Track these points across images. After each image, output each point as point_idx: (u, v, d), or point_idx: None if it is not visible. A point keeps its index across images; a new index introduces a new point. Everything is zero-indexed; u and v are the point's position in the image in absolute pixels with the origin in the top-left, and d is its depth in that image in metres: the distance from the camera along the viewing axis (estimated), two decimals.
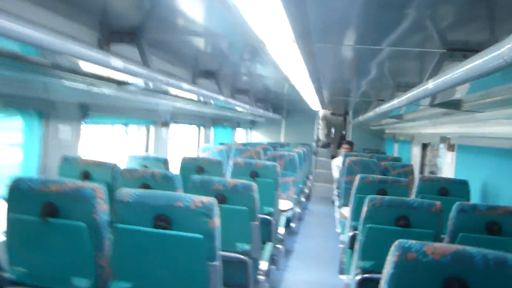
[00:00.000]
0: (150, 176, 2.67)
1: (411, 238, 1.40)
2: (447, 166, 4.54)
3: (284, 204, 4.69)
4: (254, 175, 3.78)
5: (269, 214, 3.77)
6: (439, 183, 3.50)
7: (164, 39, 3.09)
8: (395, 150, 8.18)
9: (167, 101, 4.40)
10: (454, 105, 3.24)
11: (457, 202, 2.36)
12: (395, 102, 3.65)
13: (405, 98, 3.23)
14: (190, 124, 6.24)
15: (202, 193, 2.22)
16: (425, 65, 3.44)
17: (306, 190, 7.71)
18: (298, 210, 5.81)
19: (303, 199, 6.77)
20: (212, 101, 4.77)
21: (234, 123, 8.34)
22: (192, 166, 3.88)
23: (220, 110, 6.16)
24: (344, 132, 11.27)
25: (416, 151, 6.17)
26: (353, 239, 3.65)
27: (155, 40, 3.09)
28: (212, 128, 7.02)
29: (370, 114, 5.82)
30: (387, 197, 2.46)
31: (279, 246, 4.10)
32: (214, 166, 3.91)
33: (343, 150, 7.30)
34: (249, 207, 2.68)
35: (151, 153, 4.72)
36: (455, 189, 3.46)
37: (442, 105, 3.43)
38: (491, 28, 2.30)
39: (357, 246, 2.59)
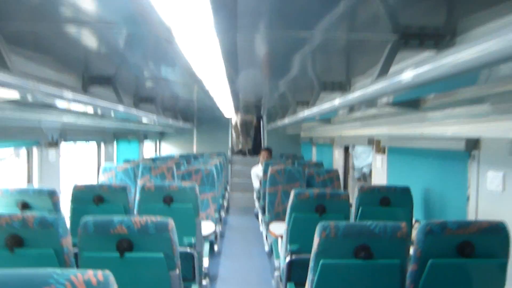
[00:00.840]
0: (20, 223, 1.87)
1: (375, 272, 1.58)
2: (377, 171, 4.27)
3: (206, 226, 4.06)
4: (168, 200, 3.10)
5: (190, 245, 3.12)
6: (380, 192, 3.14)
7: (34, 30, 2.30)
8: (313, 154, 7.96)
9: (53, 116, 3.54)
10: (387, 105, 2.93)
11: (423, 222, 1.95)
12: (326, 106, 3.26)
13: (338, 101, 2.84)
14: (87, 141, 5.31)
15: (99, 241, 1.98)
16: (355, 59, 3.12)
17: (225, 203, 7.13)
18: (219, 229, 5.19)
19: (223, 213, 6.17)
20: (112, 113, 3.97)
21: (140, 135, 7.47)
22: (88, 197, 3.08)
23: (122, 122, 5.33)
24: (260, 138, 10.92)
25: (337, 154, 5.92)
26: (290, 266, 3.16)
27: (22, 35, 2.30)
28: (115, 143, 6.11)
29: (290, 118, 5.44)
30: (342, 224, 1.96)
31: (204, 282, 3.46)
32: (117, 194, 3.15)
33: (262, 158, 6.86)
34: (165, 252, 2.02)
35: (36, 183, 3.75)
36: (396, 198, 3.13)
37: (373, 105, 3.11)
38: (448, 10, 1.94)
39: (307, 284, 2.07)
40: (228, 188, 8.66)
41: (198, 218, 3.21)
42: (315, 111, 3.79)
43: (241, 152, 11.50)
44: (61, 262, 1.84)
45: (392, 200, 3.10)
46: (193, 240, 3.10)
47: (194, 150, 9.72)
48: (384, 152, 3.99)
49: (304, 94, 5.22)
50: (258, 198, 6.76)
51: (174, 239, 2.05)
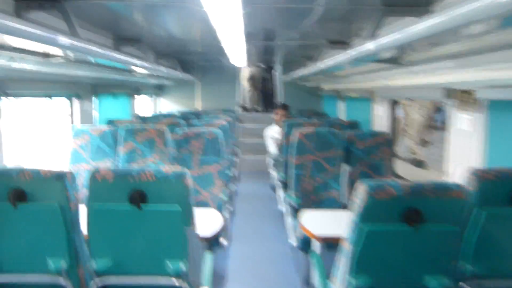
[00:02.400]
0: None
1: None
2: (461, 141, 2.91)
3: (208, 218, 2.83)
4: (138, 198, 1.82)
5: (177, 275, 1.91)
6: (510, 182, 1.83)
7: None
8: (340, 111, 6.61)
9: None
10: None
11: None
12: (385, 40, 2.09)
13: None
14: (49, 96, 3.99)
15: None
16: None
17: (235, 172, 5.89)
18: (228, 216, 3.96)
19: (233, 187, 4.94)
20: (90, 57, 2.95)
21: (131, 89, 6.13)
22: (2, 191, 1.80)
23: (101, 71, 4.01)
24: (272, 92, 9.52)
25: (381, 111, 4.58)
26: None
27: None
28: (95, 100, 4.80)
29: (319, 64, 4.10)
30: None
31: None
32: (48, 187, 1.82)
33: (278, 117, 5.53)
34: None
35: None
36: None
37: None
38: None
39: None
40: (238, 151, 7.40)
41: (191, 228, 1.96)
42: (364, 49, 2.53)
43: (253, 109, 10.19)
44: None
45: None
46: (182, 266, 1.87)
47: (198, 106, 8.37)
48: (477, 109, 2.64)
49: (339, 30, 3.86)
50: (275, 166, 5.50)
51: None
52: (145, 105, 8.13)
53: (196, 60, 7.04)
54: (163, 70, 4.70)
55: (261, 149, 7.88)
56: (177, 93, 8.32)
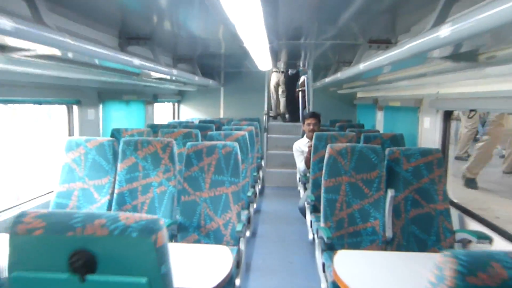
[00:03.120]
0: None
1: None
2: None
3: (212, 264, 2.20)
4: (83, 265, 1.16)
5: None
6: None
7: None
8: (377, 122, 5.87)
9: None
10: None
11: None
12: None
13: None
14: (39, 103, 3.49)
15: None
16: None
17: (258, 189, 5.25)
18: (243, 246, 3.29)
19: (251, 212, 4.29)
20: (95, 59, 2.62)
21: (146, 95, 5.63)
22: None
23: (107, 74, 3.50)
24: (298, 99, 8.86)
25: (429, 124, 3.85)
26: None
27: None
28: (101, 106, 4.29)
29: (349, 71, 3.46)
30: None
31: None
32: (135, 250, 1.19)
33: (308, 127, 4.86)
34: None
35: None
36: None
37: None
38: None
39: None
40: (263, 163, 6.77)
41: None
42: (415, 46, 1.93)
43: (281, 117, 9.57)
44: None
45: None
46: None
47: (221, 114, 7.81)
48: None
49: (382, 27, 3.22)
50: (304, 184, 4.84)
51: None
52: (165, 113, 7.65)
53: (219, 64, 6.48)
54: (179, 74, 4.14)
55: (290, 162, 7.24)
56: (200, 100, 7.78)
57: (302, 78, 9.59)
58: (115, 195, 3.12)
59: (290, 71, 8.86)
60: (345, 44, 3.89)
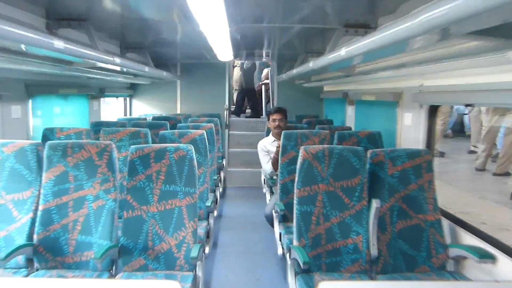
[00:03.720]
0: None
1: None
2: None
3: None
4: None
5: None
6: None
7: None
8: (348, 117, 5.46)
9: None
10: None
11: None
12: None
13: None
14: None
15: None
16: None
17: (218, 193, 4.70)
18: (200, 272, 2.72)
19: (212, 218, 3.74)
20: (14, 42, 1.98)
21: (91, 89, 4.93)
22: None
23: (37, 63, 2.86)
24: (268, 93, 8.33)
25: (411, 120, 3.43)
26: None
27: None
28: (30, 102, 3.60)
29: (323, 60, 3.00)
30: None
31: None
32: None
33: (273, 124, 4.36)
34: None
35: None
36: None
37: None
38: None
39: None
40: (224, 162, 6.22)
41: None
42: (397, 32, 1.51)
43: (242, 112, 9.04)
44: None
45: None
46: None
47: (178, 110, 7.17)
48: None
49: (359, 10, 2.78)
50: (271, 188, 4.35)
51: None
52: (119, 109, 6.94)
53: (174, 54, 5.86)
54: (125, 63, 3.52)
55: (254, 160, 6.73)
56: (155, 95, 7.10)
57: (265, 71, 9.09)
58: (39, 212, 2.50)
59: (245, 64, 8.30)
60: (317, 28, 3.40)
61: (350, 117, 5.36)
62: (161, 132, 3.64)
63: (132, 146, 2.66)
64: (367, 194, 2.63)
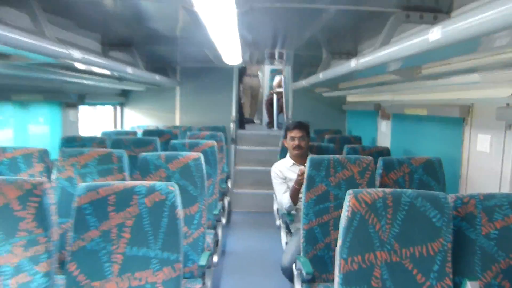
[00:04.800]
0: None
1: None
2: None
3: None
4: None
5: None
6: None
7: None
8: (381, 135, 4.47)
9: None
10: None
11: None
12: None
13: None
14: None
15: None
16: None
17: (219, 233, 3.70)
18: None
19: (209, 280, 2.73)
20: None
21: (66, 95, 3.98)
22: None
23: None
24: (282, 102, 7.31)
25: (489, 143, 2.43)
26: None
27: None
28: None
29: (344, 67, 2.07)
30: None
31: None
32: None
33: (291, 144, 3.38)
34: None
35: None
36: None
37: None
38: None
39: None
40: (229, 184, 5.24)
41: None
42: None
43: (249, 121, 8.13)
44: None
45: None
46: None
47: (177, 121, 6.20)
48: None
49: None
50: (287, 225, 3.36)
51: None
52: (105, 119, 6.00)
53: (173, 55, 4.93)
54: (92, 61, 2.59)
55: (265, 180, 5.76)
56: (150, 103, 6.12)
57: (277, 78, 8.15)
58: None
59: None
60: (353, 16, 2.45)
61: (383, 134, 4.37)
62: (142, 155, 2.68)
63: (81, 186, 1.70)
64: (451, 268, 1.65)
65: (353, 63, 2.34)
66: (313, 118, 5.83)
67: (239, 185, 5.96)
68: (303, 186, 2.58)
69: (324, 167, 2.53)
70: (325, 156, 2.57)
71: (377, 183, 2.64)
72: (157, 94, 6.04)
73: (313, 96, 5.90)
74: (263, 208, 5.64)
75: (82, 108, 4.57)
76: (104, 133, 4.55)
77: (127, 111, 6.07)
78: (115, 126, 5.89)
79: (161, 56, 4.83)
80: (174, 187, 1.73)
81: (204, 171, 2.66)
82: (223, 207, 4.20)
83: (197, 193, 2.61)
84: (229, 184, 5.22)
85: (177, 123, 6.10)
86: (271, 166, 3.48)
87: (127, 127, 5.92)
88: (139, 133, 4.68)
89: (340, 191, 2.51)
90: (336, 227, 2.22)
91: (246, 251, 4.28)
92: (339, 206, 2.41)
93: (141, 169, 2.60)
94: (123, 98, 5.90)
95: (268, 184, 3.82)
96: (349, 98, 5.73)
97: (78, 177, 2.52)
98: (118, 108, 5.95)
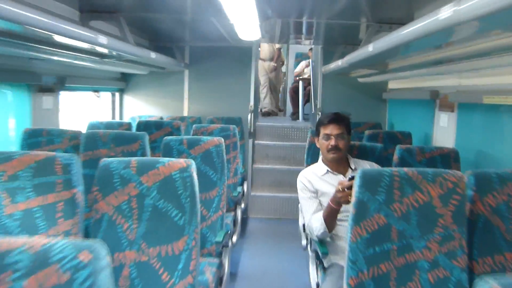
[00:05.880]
0: None
1: None
2: None
3: None
4: None
5: None
6: None
7: None
8: (438, 131, 3.48)
9: None
10: None
11: None
12: None
13: None
14: None
15: None
16: None
17: (224, 265, 2.81)
18: None
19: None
20: None
21: (37, 76, 3.14)
22: None
23: None
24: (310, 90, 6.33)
25: None
26: None
27: None
28: None
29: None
30: None
31: None
32: None
33: (325, 144, 2.45)
34: None
35: None
36: None
37: None
38: None
39: None
40: (245, 186, 4.34)
41: None
42: None
43: (271, 113, 7.30)
44: None
45: None
46: None
47: (185, 110, 5.31)
48: None
49: None
50: (316, 254, 2.44)
51: None
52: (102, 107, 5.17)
53: (179, 30, 4.05)
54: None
55: (287, 181, 4.89)
56: (155, 90, 5.26)
57: (303, 63, 7.16)
58: None
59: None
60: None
61: (443, 130, 3.38)
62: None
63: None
64: None
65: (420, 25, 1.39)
66: (347, 109, 4.83)
67: (257, 186, 5.07)
68: (349, 216, 1.65)
69: (385, 189, 1.59)
70: (385, 170, 1.63)
71: (467, 212, 1.68)
72: (163, 79, 5.17)
73: (347, 82, 4.94)
74: (284, 213, 4.78)
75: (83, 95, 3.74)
76: (92, 125, 3.73)
77: (129, 99, 5.22)
78: (113, 116, 5.06)
79: (163, 31, 3.96)
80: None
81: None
82: (234, 221, 3.35)
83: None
84: (245, 188, 4.33)
85: (185, 113, 5.22)
86: (295, 165, 2.74)
87: (127, 118, 5.08)
88: (135, 124, 3.83)
89: (409, 227, 1.58)
90: (401, 283, 1.39)
91: (264, 275, 3.39)
92: (407, 249, 1.51)
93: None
94: (123, 83, 5.04)
95: (292, 184, 3.35)
96: (392, 85, 4.73)
97: (5, 194, 1.66)
98: (118, 95, 5.10)
